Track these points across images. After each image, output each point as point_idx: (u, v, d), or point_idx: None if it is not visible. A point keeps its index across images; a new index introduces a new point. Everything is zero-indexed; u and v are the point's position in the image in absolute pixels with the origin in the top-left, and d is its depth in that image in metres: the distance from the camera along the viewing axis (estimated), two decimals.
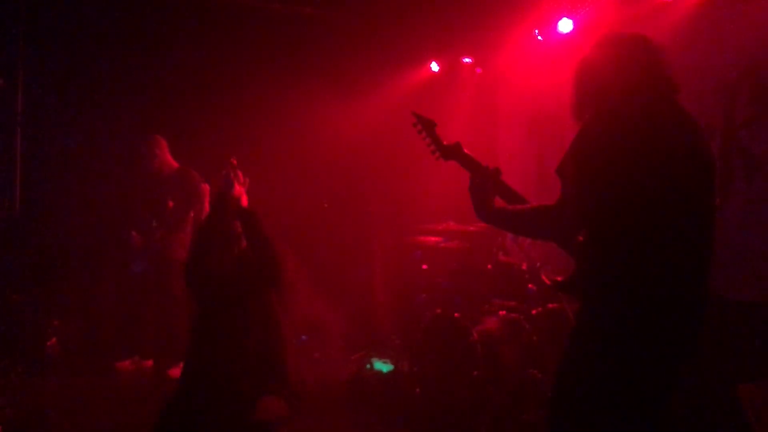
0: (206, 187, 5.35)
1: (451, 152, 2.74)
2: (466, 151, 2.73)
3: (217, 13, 6.33)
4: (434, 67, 7.06)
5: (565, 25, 5.41)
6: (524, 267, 4.91)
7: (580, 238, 2.12)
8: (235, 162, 5.50)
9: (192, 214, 5.42)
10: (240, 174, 3.80)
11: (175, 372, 5.34)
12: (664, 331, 2.00)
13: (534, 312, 4.60)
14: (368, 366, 5.26)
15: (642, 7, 5.09)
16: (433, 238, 5.55)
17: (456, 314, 4.64)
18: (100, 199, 6.04)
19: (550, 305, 4.61)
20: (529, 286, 4.85)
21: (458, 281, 5.31)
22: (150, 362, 5.53)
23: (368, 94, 6.79)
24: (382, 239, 6.92)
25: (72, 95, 6.10)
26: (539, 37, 5.92)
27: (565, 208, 2.12)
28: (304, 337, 6.47)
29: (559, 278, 2.25)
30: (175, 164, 5.50)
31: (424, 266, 5.72)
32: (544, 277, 2.33)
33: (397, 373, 5.02)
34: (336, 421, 4.54)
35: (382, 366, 5.27)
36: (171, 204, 5.28)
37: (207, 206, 5.30)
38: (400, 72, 7.04)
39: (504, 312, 4.71)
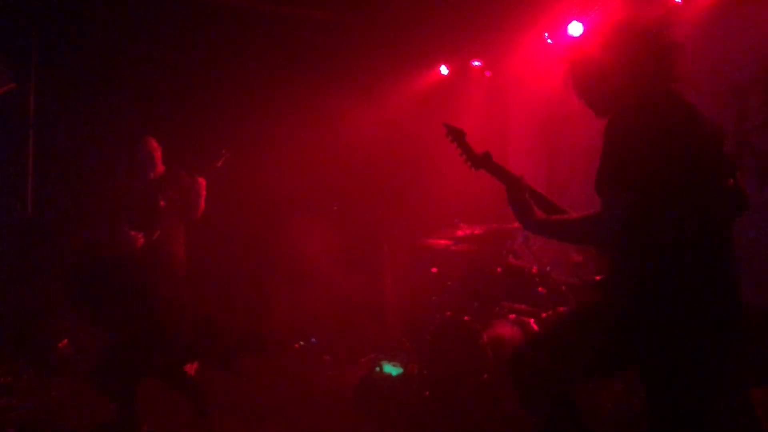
0: (202, 182, 5.37)
1: (482, 161, 2.84)
2: (495, 160, 2.83)
3: (229, 17, 6.36)
4: (444, 70, 7.06)
5: (575, 28, 5.39)
6: (534, 270, 4.90)
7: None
8: (228, 154, 5.53)
9: (186, 213, 5.46)
10: None
11: (187, 371, 5.37)
12: (709, 325, 2.10)
13: (544, 315, 4.59)
14: (378, 369, 5.25)
15: (653, 10, 5.07)
16: (443, 241, 5.54)
17: (466, 317, 4.63)
18: (111, 200, 6.06)
19: (560, 308, 4.59)
20: (539, 289, 4.84)
21: (468, 284, 5.30)
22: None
23: (378, 98, 6.81)
24: (392, 242, 6.92)
25: (83, 98, 6.14)
26: (549, 41, 5.91)
27: (610, 214, 2.16)
28: (313, 339, 6.49)
29: (597, 277, 2.31)
30: (162, 167, 5.53)
31: (434, 269, 5.71)
32: (576, 277, 2.43)
33: (407, 376, 5.01)
34: (345, 424, 4.54)
35: (392, 369, 5.26)
36: (162, 204, 5.33)
37: (203, 204, 5.36)
38: (410, 76, 7.06)
39: (514, 315, 4.70)
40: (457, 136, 2.97)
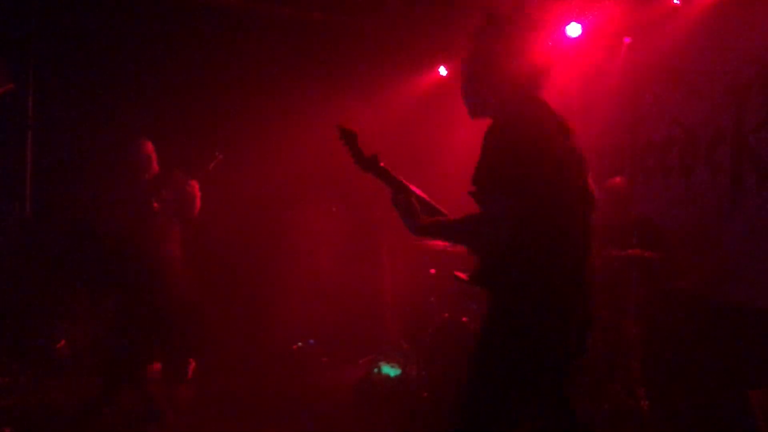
0: (194, 184, 5.41)
1: (368, 164, 2.85)
2: (382, 164, 2.83)
3: (226, 18, 6.37)
4: (442, 71, 7.06)
5: (574, 30, 5.40)
6: None
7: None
8: (221, 157, 5.58)
9: (181, 213, 5.48)
10: None
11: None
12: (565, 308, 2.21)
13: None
14: (376, 370, 5.26)
15: (651, 12, 5.08)
16: (440, 243, 5.54)
17: (464, 318, 4.63)
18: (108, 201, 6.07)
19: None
20: None
21: (466, 286, 5.29)
22: (158, 365, 5.55)
23: (376, 99, 6.82)
24: (390, 243, 6.93)
25: (81, 99, 6.14)
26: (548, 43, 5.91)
27: (489, 214, 2.25)
28: (311, 341, 6.48)
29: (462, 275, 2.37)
30: (156, 167, 5.54)
31: (432, 270, 5.71)
32: (457, 273, 2.41)
33: (405, 377, 5.02)
34: (343, 425, 4.54)
35: (390, 370, 5.26)
36: (156, 205, 5.36)
37: (198, 203, 5.38)
38: (408, 77, 7.06)
39: None
40: (348, 137, 2.96)
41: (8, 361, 5.21)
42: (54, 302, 5.90)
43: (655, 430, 4.12)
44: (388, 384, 5.02)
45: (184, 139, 6.04)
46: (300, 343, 6.49)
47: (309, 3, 6.56)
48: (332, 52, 6.76)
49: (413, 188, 2.73)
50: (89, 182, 6.11)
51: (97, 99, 6.16)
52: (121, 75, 6.22)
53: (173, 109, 6.34)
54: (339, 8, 6.59)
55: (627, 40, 5.52)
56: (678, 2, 4.88)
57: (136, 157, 5.37)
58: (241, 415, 4.64)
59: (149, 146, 5.43)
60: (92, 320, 6.15)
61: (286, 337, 6.49)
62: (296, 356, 6.29)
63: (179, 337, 5.44)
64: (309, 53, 6.72)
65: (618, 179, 4.86)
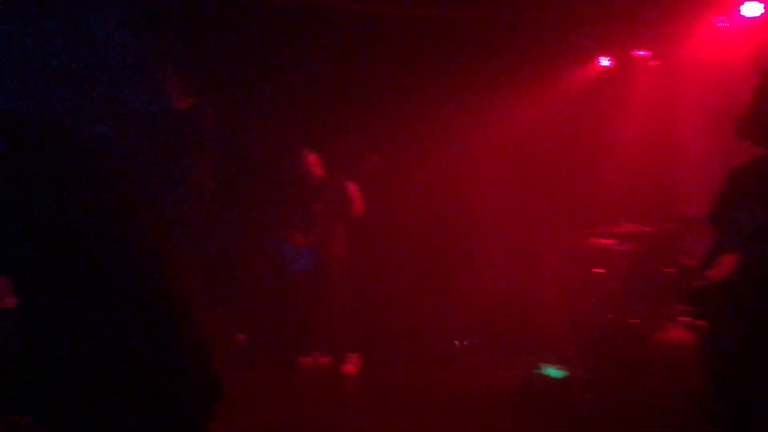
0: (353, 186, 5.67)
1: None
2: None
3: (380, 23, 6.52)
4: (604, 61, 6.78)
5: (752, 9, 4.97)
6: None
7: None
8: (375, 159, 5.82)
9: (344, 213, 5.71)
10: None
11: (350, 369, 5.59)
12: None
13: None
14: (538, 371, 5.15)
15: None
16: (605, 240, 5.33)
17: (634, 320, 4.42)
18: (280, 205, 6.44)
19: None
20: None
21: (633, 286, 5.04)
22: (328, 359, 5.81)
23: (535, 94, 6.67)
24: (551, 241, 6.75)
25: (252, 110, 6.59)
26: (724, 24, 5.48)
27: None
28: (472, 340, 6.48)
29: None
30: (321, 172, 5.84)
31: (597, 269, 5.50)
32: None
33: (570, 379, 4.87)
34: (503, 426, 4.49)
35: (553, 372, 5.12)
36: (320, 207, 5.67)
37: (360, 204, 5.63)
38: (568, 69, 6.84)
39: (686, 318, 4.41)
40: None
41: None
42: (234, 298, 6.38)
43: None
44: (551, 386, 4.89)
45: (344, 143, 6.30)
46: (461, 342, 6.51)
47: (466, 2, 6.56)
48: (489, 49, 6.71)
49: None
50: (260, 188, 6.55)
51: (265, 111, 6.59)
52: (285, 88, 6.61)
53: (334, 116, 6.62)
54: (494, 5, 6.53)
55: None
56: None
57: (300, 166, 5.76)
58: (400, 411, 4.70)
59: (312, 154, 5.79)
60: (268, 315, 6.58)
61: (448, 336, 6.54)
62: (457, 354, 6.32)
63: (343, 332, 5.67)
64: (465, 51, 6.71)
65: None
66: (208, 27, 6.27)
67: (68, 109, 6.64)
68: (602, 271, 5.32)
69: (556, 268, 6.59)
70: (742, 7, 5.00)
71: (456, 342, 6.55)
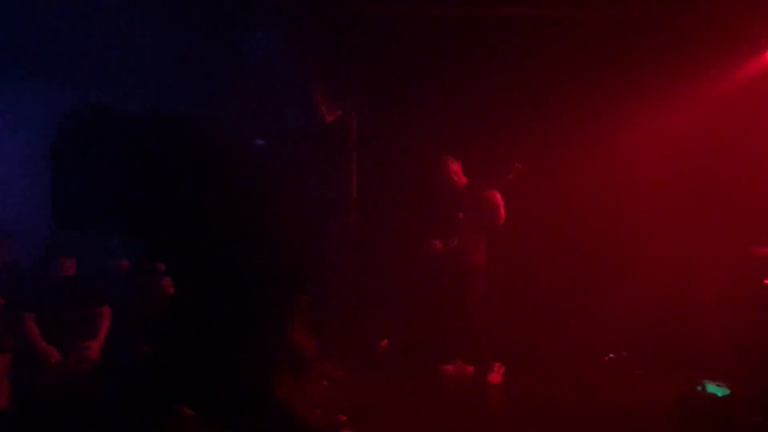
0: (495, 193, 5.57)
1: None
2: None
3: (534, 27, 6.41)
4: None
5: None
6: None
7: None
8: (520, 167, 5.71)
9: (486, 222, 5.63)
10: None
11: (494, 378, 5.50)
12: None
13: None
14: (699, 388, 4.79)
15: None
16: None
17: None
18: (421, 213, 6.50)
19: None
20: None
21: None
22: (471, 368, 5.76)
23: (695, 93, 6.27)
24: (712, 250, 6.28)
25: (394, 120, 6.73)
26: None
27: None
28: (624, 353, 6.18)
29: None
30: (464, 180, 5.79)
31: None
32: None
33: (733, 398, 4.49)
34: None
35: (716, 389, 4.75)
36: (461, 215, 5.63)
37: (503, 212, 5.54)
38: (731, 65, 6.35)
39: None
40: None
41: (343, 356, 5.83)
42: (378, 304, 6.52)
43: None
44: (713, 404, 4.54)
45: (486, 150, 6.25)
46: (613, 355, 6.22)
47: (629, 2, 6.31)
48: (645, 49, 6.40)
49: None
50: (404, 196, 6.66)
51: (407, 120, 6.70)
52: (428, 95, 6.69)
53: (477, 122, 6.60)
54: (644, 4, 6.22)
55: None
56: None
57: (442, 174, 5.78)
58: (544, 424, 4.55)
59: (453, 162, 5.79)
60: (412, 322, 6.65)
61: (599, 348, 6.27)
62: (608, 367, 6.04)
63: (487, 341, 5.60)
64: (626, 51, 6.45)
65: None
66: (353, 40, 6.49)
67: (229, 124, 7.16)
68: None
69: (719, 279, 6.11)
70: None
71: (609, 355, 6.26)
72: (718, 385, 4.78)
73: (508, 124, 6.51)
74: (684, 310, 6.12)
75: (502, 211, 5.64)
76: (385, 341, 6.44)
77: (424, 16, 6.43)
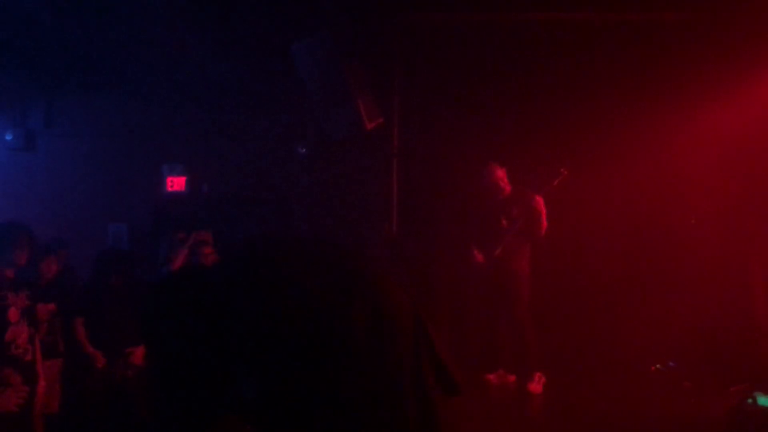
0: (539, 200, 5.51)
1: None
2: None
3: (570, 32, 6.34)
4: None
5: None
6: None
7: None
8: (565, 173, 5.62)
9: (530, 230, 5.57)
10: None
11: (535, 387, 5.44)
12: None
13: None
14: (751, 401, 4.65)
15: None
16: None
17: None
18: (461, 220, 6.48)
19: None
20: None
21: None
22: (513, 377, 5.70)
23: (748, 96, 6.09)
24: (765, 259, 6.08)
25: (436, 128, 6.73)
26: None
27: None
28: (672, 363, 6.03)
29: None
30: (509, 187, 5.75)
31: None
32: None
33: None
34: None
35: None
36: (504, 222, 5.58)
37: (544, 219, 5.51)
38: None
39: None
40: None
41: None
42: (422, 314, 6.49)
43: None
44: (765, 418, 4.40)
45: (532, 157, 6.19)
46: (659, 365, 6.08)
47: (662, 3, 6.19)
48: (686, 52, 6.26)
49: None
50: (446, 203, 6.64)
51: (449, 126, 6.69)
52: (473, 102, 6.66)
53: (523, 129, 6.54)
54: (689, 6, 6.09)
55: None
56: None
57: (487, 180, 5.75)
58: None
59: (499, 169, 5.76)
60: (453, 330, 6.62)
61: (645, 358, 6.14)
62: (654, 379, 5.91)
63: (529, 350, 5.54)
64: (669, 56, 6.33)
65: None
66: (396, 47, 6.52)
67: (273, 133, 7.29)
68: None
69: None
70: None
71: (656, 365, 6.12)
72: None
73: (554, 130, 6.43)
74: (734, 319, 5.93)
75: (544, 218, 5.59)
76: None
77: (468, 23, 6.42)
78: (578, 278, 6.51)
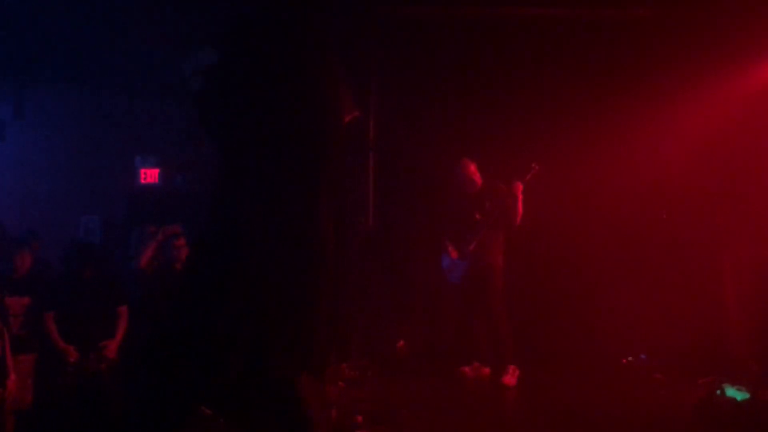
0: (519, 186, 5.57)
1: None
2: None
3: (547, 27, 6.39)
4: None
5: None
6: None
7: None
8: (537, 168, 5.68)
9: (504, 220, 5.62)
10: None
11: (509, 380, 5.49)
12: None
13: None
14: (719, 392, 4.74)
15: None
16: None
17: None
18: (438, 214, 6.50)
19: None
20: None
21: None
22: (488, 370, 5.75)
23: (713, 94, 6.19)
24: (734, 253, 6.20)
25: (412, 122, 6.73)
26: None
27: None
28: (643, 355, 6.13)
29: None
30: (480, 180, 5.78)
31: None
32: None
33: (755, 402, 4.44)
34: None
35: (737, 393, 4.70)
36: (478, 216, 5.63)
37: (519, 213, 5.54)
38: (758, 66, 6.27)
39: None
40: None
41: (358, 357, 5.86)
42: (395, 305, 6.53)
43: None
44: (733, 409, 4.49)
45: (508, 152, 6.23)
46: (631, 358, 6.18)
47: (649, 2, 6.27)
48: (661, 49, 6.35)
49: None
50: (421, 198, 6.66)
51: (424, 121, 6.71)
52: (446, 96, 6.69)
53: (495, 123, 6.58)
54: (665, 3, 6.17)
55: None
56: None
57: (460, 175, 5.78)
58: (559, 427, 4.52)
59: (471, 164, 5.79)
60: (428, 323, 6.65)
61: (617, 350, 6.23)
62: (626, 371, 6.00)
63: (503, 343, 5.59)
64: (644, 53, 6.40)
65: None
66: (371, 41, 6.51)
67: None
68: None
69: (740, 281, 6.04)
70: None
71: (627, 358, 6.21)
72: (738, 389, 4.73)
73: (526, 125, 6.48)
74: (704, 313, 6.04)
75: (520, 212, 5.63)
76: (402, 342, 6.45)
77: (444, 18, 6.43)
78: (552, 273, 6.59)
